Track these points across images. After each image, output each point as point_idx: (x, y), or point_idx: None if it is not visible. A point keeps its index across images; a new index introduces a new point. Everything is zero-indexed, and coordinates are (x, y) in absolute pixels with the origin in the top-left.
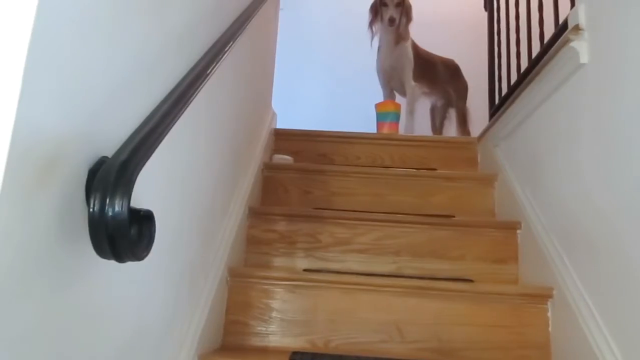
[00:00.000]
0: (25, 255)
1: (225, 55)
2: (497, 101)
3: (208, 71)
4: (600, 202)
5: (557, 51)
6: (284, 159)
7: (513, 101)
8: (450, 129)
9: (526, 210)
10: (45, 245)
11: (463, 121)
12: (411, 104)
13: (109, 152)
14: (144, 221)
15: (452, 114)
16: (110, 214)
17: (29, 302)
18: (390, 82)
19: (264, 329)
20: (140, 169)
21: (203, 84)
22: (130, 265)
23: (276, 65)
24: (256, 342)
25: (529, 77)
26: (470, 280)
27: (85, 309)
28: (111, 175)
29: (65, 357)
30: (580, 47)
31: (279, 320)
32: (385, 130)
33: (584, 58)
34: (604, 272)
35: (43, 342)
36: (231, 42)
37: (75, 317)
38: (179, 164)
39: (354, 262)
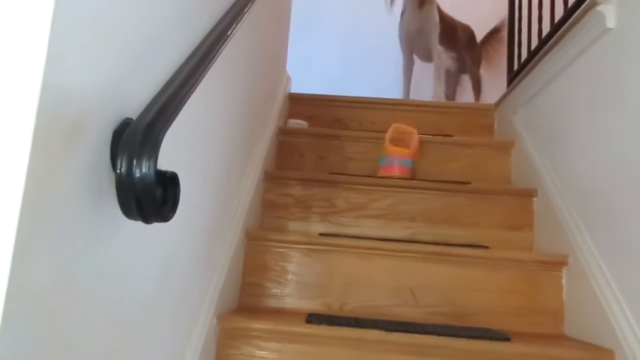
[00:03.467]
0: (56, 214)
1: (245, 16)
2: (516, 67)
3: (228, 33)
4: (621, 170)
5: (582, 15)
6: (299, 123)
7: (533, 67)
8: (462, 96)
9: (543, 178)
10: (74, 205)
11: (477, 88)
12: (439, 69)
13: (132, 114)
14: (169, 183)
15: (464, 80)
16: (137, 175)
17: (60, 258)
18: (414, 46)
19: (279, 291)
20: (166, 131)
21: (223, 46)
22: (154, 226)
23: (291, 28)
24: (272, 303)
25: (551, 42)
26: (485, 247)
27: (112, 267)
28: (137, 137)
29: (93, 311)
30: (607, 11)
31: (295, 283)
32: (396, 172)
33: (610, 22)
34: (621, 240)
35: (72, 296)
36: (249, 4)
37: (102, 274)
38: (197, 128)
39: (369, 228)
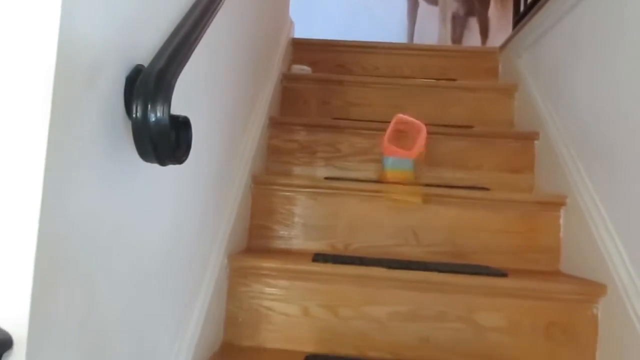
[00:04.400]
0: (78, 159)
1: None
2: (522, 8)
3: None
4: (624, 113)
5: None
6: (302, 69)
7: (539, 9)
8: (470, 40)
9: (545, 121)
10: (95, 150)
11: (485, 31)
12: (444, 12)
13: (143, 60)
14: (181, 127)
15: (472, 23)
16: (152, 119)
17: (84, 201)
18: None
19: (286, 233)
20: (178, 76)
21: None
22: (167, 169)
23: None
24: (280, 244)
25: None
26: (486, 189)
27: (131, 209)
28: (151, 83)
29: (115, 251)
30: None
31: (301, 225)
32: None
33: None
34: (619, 181)
35: (96, 237)
36: None
37: (123, 215)
38: (202, 73)
39: (372, 171)
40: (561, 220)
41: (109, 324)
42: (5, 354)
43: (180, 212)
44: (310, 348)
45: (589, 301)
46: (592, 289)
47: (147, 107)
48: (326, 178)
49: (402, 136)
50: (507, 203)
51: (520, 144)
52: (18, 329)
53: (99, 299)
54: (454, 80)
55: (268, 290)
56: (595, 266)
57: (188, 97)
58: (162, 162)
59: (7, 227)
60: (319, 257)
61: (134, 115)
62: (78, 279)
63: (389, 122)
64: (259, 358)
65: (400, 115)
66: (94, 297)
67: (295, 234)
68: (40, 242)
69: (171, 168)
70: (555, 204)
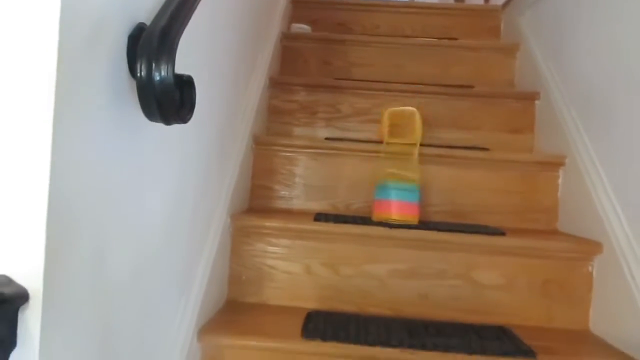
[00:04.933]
0: (85, 119)
1: None
2: None
3: None
4: (625, 72)
5: None
6: (302, 28)
7: None
8: None
9: (546, 81)
10: (101, 110)
11: None
12: None
13: (145, 18)
14: (185, 86)
15: None
16: (157, 78)
17: (92, 160)
18: None
19: (288, 193)
20: (181, 35)
21: None
22: (171, 129)
23: None
24: (281, 205)
25: None
26: (486, 149)
27: (138, 168)
28: (154, 42)
29: (123, 210)
30: None
31: (302, 186)
32: (393, 211)
33: None
34: (617, 140)
35: (104, 196)
36: None
37: (130, 174)
38: (203, 32)
39: (373, 132)
40: (560, 180)
41: (119, 279)
42: (22, 307)
43: (185, 171)
44: (312, 305)
45: (585, 259)
46: (588, 247)
47: (152, 66)
48: (327, 139)
49: (399, 125)
50: (506, 163)
51: (521, 104)
52: (33, 284)
53: (108, 256)
54: (455, 39)
55: (271, 249)
56: (592, 225)
57: (190, 55)
58: (167, 121)
59: (19, 188)
60: (321, 217)
61: (138, 75)
62: (88, 236)
63: (390, 82)
64: (262, 314)
65: (391, 110)
66: (104, 253)
67: (296, 194)
68: (51, 200)
69: (175, 127)
70: (554, 164)
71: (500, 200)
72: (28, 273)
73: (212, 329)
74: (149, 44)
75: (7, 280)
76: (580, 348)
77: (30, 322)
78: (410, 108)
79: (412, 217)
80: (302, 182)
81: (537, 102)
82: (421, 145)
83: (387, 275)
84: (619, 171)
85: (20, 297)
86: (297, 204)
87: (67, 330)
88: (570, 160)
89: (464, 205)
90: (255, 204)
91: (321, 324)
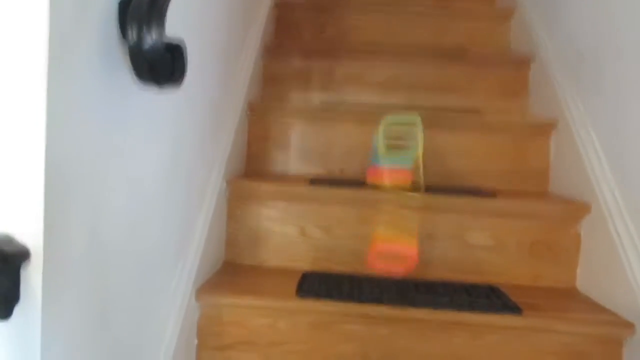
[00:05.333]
0: (78, 86)
1: None
2: None
3: None
4: (618, 36)
5: None
6: None
7: None
8: None
9: (540, 45)
10: (94, 76)
11: None
12: None
13: None
14: (176, 50)
15: None
16: (148, 42)
17: (87, 126)
18: None
19: (283, 158)
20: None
21: None
22: (164, 94)
23: None
24: (276, 169)
25: None
26: (479, 112)
27: (133, 133)
28: (144, 6)
29: (118, 176)
30: None
31: (297, 151)
32: (385, 178)
33: None
34: (607, 101)
35: (101, 163)
36: None
37: (125, 140)
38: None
39: (368, 97)
40: (551, 143)
41: (115, 241)
42: (23, 265)
43: (179, 136)
44: (307, 266)
45: (573, 220)
46: (576, 208)
47: (142, 31)
48: (322, 103)
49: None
50: (499, 126)
51: (515, 68)
52: (34, 243)
53: (105, 217)
54: (450, 4)
55: (266, 212)
56: (581, 187)
57: (181, 20)
58: (160, 85)
59: (17, 151)
60: (316, 181)
61: (129, 39)
62: (85, 197)
63: (385, 48)
64: (259, 275)
65: (390, 117)
66: (100, 214)
67: (291, 160)
68: (48, 161)
69: (168, 92)
70: (546, 127)
71: (493, 163)
72: (28, 232)
73: (210, 289)
74: (139, 9)
75: (8, 239)
76: (566, 305)
77: (32, 278)
78: (412, 117)
79: (405, 182)
80: (297, 147)
81: (531, 66)
82: (412, 109)
83: None
84: (608, 133)
85: (22, 255)
86: (293, 168)
87: (67, 286)
88: (562, 123)
89: (457, 168)
90: (251, 169)
91: (316, 284)
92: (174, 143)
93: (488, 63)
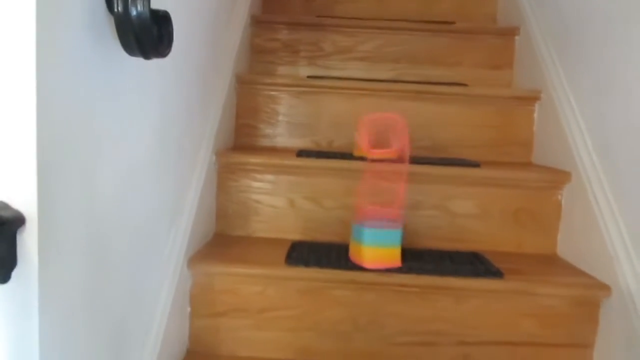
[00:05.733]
0: (67, 58)
1: None
2: None
3: None
4: (601, 7)
5: None
6: None
7: None
8: None
9: (527, 15)
10: (81, 48)
11: None
12: None
13: None
14: (162, 21)
15: None
16: (134, 13)
17: (77, 97)
18: None
19: (271, 131)
20: None
21: None
22: (151, 65)
23: None
24: (265, 142)
25: None
26: (465, 85)
27: (121, 104)
28: None
29: (109, 149)
30: None
31: (285, 124)
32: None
33: None
34: (589, 74)
35: (91, 135)
36: None
37: (114, 111)
38: None
39: (355, 69)
40: (535, 114)
41: (108, 208)
42: (19, 230)
43: (167, 107)
44: (296, 236)
45: (555, 188)
46: (557, 177)
47: (128, 1)
48: (309, 77)
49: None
50: (484, 98)
51: (501, 39)
52: (29, 209)
53: (97, 184)
54: None
55: (255, 184)
56: (562, 156)
57: None
58: (146, 55)
59: (9, 120)
60: (303, 153)
61: (115, 10)
62: (77, 166)
63: (373, 19)
64: (249, 245)
65: (368, 117)
66: (93, 182)
67: (279, 132)
68: (39, 129)
69: (155, 64)
70: (530, 98)
71: (478, 134)
72: (23, 199)
73: (202, 258)
74: None
75: (4, 205)
76: (546, 269)
77: (28, 243)
78: (393, 115)
79: (391, 154)
80: (285, 120)
81: (516, 37)
82: (402, 82)
83: None
84: (589, 104)
85: (18, 220)
86: (281, 141)
87: (62, 251)
88: (546, 94)
89: (443, 139)
90: (240, 142)
91: (304, 253)
92: (163, 113)
93: (475, 35)
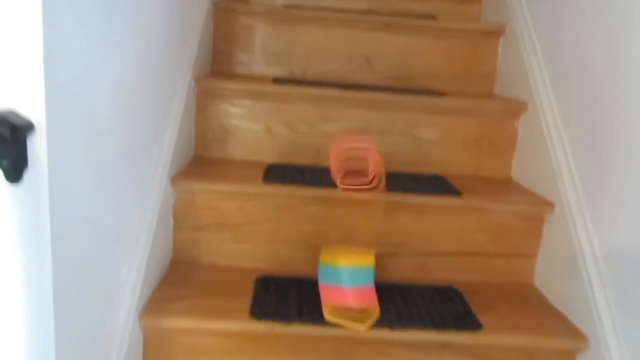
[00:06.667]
0: None
1: None
2: None
3: None
4: None
5: None
6: None
7: None
8: None
9: None
10: None
11: None
12: None
13: None
14: None
15: None
16: None
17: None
18: None
19: (247, 59)
20: None
21: None
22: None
23: None
24: (242, 70)
25: None
26: (434, 18)
27: (117, 25)
28: None
29: (103, 65)
30: None
31: (261, 52)
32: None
33: None
34: (550, 10)
35: (78, 48)
36: None
37: (111, 29)
38: None
39: (329, 0)
40: (499, 48)
41: (104, 119)
42: (29, 136)
43: (154, 20)
44: (272, 159)
45: (512, 117)
46: (515, 107)
47: None
48: (285, 6)
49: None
50: (451, 32)
51: None
52: (37, 117)
53: (94, 98)
54: None
55: (233, 110)
56: (521, 87)
57: None
58: None
59: (18, 34)
60: (279, 80)
61: None
62: (78, 81)
63: None
64: (228, 166)
65: (339, 140)
66: (91, 95)
67: (255, 60)
68: (46, 46)
69: None
70: (495, 32)
71: (445, 66)
72: (32, 108)
73: (184, 177)
74: None
75: (15, 114)
76: (500, 190)
77: (38, 147)
78: (364, 144)
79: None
80: (261, 49)
81: None
82: (374, 14)
83: (340, 132)
84: (547, 38)
85: (27, 126)
86: (257, 69)
87: (68, 155)
88: (510, 28)
89: (412, 70)
90: (217, 69)
91: (280, 173)
92: (150, 26)
93: None
